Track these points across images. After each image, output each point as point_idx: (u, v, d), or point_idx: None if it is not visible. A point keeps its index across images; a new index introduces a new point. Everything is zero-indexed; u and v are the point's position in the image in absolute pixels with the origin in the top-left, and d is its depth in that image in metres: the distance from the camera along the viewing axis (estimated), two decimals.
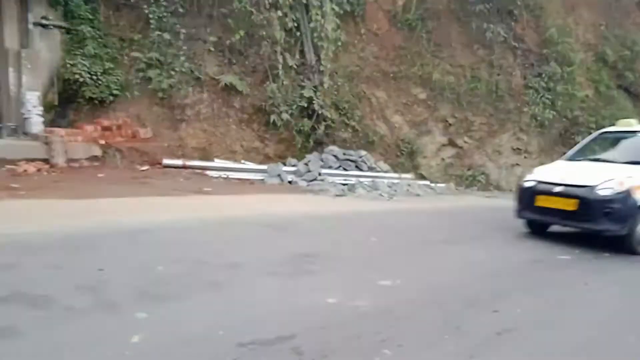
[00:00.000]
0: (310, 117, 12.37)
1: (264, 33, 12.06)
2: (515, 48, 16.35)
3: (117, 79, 11.04)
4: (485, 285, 4.89)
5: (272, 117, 11.99)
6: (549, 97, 15.97)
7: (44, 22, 10.69)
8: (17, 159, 9.07)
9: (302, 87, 12.44)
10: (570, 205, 6.66)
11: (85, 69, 10.64)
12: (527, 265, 5.89)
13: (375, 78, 14.43)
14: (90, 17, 11.23)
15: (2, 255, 4.78)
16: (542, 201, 7.06)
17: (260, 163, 11.79)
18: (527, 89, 16.18)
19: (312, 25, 12.47)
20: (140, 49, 11.56)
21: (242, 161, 11.71)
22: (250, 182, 10.94)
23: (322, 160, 12.06)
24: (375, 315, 3.98)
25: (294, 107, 12.23)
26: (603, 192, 6.47)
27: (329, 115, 12.50)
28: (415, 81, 14.92)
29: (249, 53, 12.65)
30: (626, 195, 6.39)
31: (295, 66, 12.57)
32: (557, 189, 6.87)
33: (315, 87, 12.48)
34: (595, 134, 8.59)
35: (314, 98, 12.28)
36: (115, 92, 10.98)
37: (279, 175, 11.37)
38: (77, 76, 10.59)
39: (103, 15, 11.56)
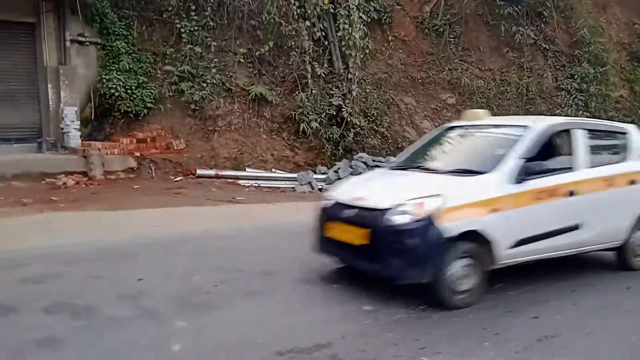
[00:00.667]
0: (339, 124, 12.41)
1: (293, 43, 12.17)
2: (546, 50, 16.07)
3: (151, 93, 11.28)
4: None
5: (302, 126, 12.08)
6: (582, 98, 15.64)
7: (80, 39, 11.04)
8: (56, 173, 9.36)
9: (331, 96, 12.50)
10: (359, 237, 4.42)
11: (121, 83, 10.92)
12: None
13: (403, 84, 14.39)
14: (125, 33, 11.52)
15: (44, 266, 4.96)
16: (332, 230, 4.81)
17: (291, 171, 11.87)
18: (559, 91, 15.87)
19: (339, 34, 12.53)
20: (172, 63, 11.81)
21: (273, 170, 11.82)
22: (281, 190, 11.02)
23: (351, 167, 12.08)
24: (411, 321, 3.98)
25: (323, 115, 12.30)
26: (396, 218, 4.24)
27: (358, 123, 12.51)
28: (443, 86, 14.82)
29: (278, 63, 12.80)
30: (427, 223, 4.14)
31: (323, 75, 12.64)
32: (348, 212, 4.65)
33: (343, 95, 12.52)
34: (439, 129, 6.35)
35: (343, 106, 12.32)
36: (149, 105, 11.22)
37: (309, 182, 11.44)
38: (112, 91, 10.88)
39: (137, 31, 11.84)
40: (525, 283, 4.91)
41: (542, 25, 16.10)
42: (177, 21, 11.93)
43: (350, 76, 12.65)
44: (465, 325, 3.94)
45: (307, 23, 12.00)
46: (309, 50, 12.17)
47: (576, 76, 15.78)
